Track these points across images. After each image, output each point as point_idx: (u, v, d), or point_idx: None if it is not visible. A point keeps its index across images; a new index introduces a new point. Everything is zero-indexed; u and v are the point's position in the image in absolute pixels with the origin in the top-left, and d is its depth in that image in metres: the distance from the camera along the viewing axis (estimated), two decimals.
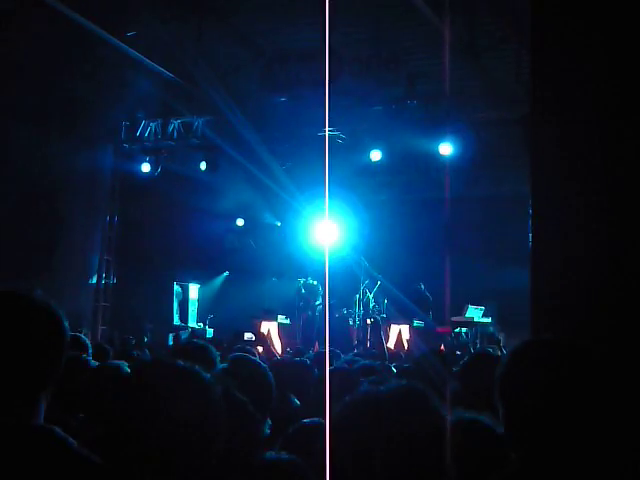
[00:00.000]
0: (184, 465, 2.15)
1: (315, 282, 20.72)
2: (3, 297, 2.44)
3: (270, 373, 4.34)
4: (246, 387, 3.46)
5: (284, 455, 2.83)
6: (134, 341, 14.69)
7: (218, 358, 4.61)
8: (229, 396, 2.99)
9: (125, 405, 2.21)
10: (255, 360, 4.61)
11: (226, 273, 23.67)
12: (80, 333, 7.48)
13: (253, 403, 3.24)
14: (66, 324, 2.44)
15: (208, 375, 2.31)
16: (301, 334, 19.48)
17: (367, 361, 7.23)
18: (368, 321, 18.37)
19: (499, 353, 5.27)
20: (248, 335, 17.43)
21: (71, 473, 2.24)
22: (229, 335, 15.86)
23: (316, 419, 3.65)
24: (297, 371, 5.87)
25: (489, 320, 19.23)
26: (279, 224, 24.93)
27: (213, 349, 4.66)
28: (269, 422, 3.75)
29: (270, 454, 2.88)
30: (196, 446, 2.16)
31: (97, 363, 5.13)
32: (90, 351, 5.79)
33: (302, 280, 20.87)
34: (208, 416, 2.20)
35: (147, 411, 2.17)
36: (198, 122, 19.30)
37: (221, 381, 2.75)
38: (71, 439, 2.30)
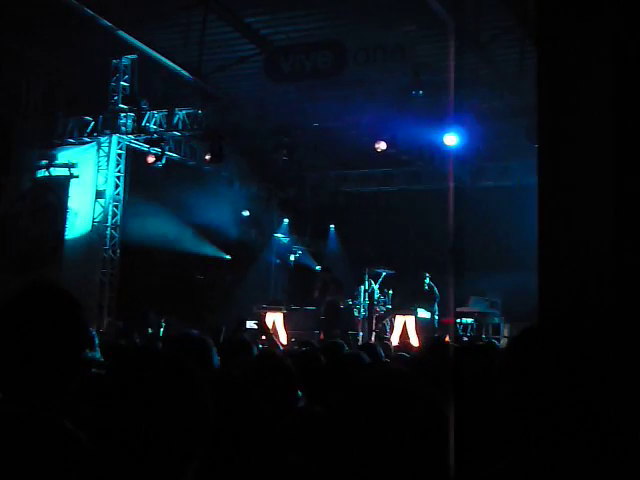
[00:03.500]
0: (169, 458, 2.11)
1: (318, 267, 20.81)
2: (34, 291, 2.46)
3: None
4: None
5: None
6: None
7: (214, 351, 4.47)
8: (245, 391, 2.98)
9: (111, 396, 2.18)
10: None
11: (228, 257, 23.62)
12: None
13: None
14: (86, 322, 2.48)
15: (193, 365, 2.25)
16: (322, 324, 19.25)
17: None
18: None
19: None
20: (250, 324, 17.43)
21: (73, 466, 2.24)
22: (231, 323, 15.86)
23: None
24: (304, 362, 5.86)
25: (494, 311, 19.25)
26: (286, 220, 24.99)
27: (210, 341, 4.51)
28: None
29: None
30: (180, 437, 2.12)
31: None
32: (97, 342, 5.78)
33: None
34: (193, 407, 2.15)
35: (130, 403, 2.13)
36: (203, 113, 19.29)
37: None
38: (80, 433, 2.31)
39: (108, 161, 20.19)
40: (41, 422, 2.29)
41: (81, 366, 2.45)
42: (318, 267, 21.21)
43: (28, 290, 2.48)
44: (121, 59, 19.63)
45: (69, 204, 20.24)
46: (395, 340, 17.66)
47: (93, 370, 4.39)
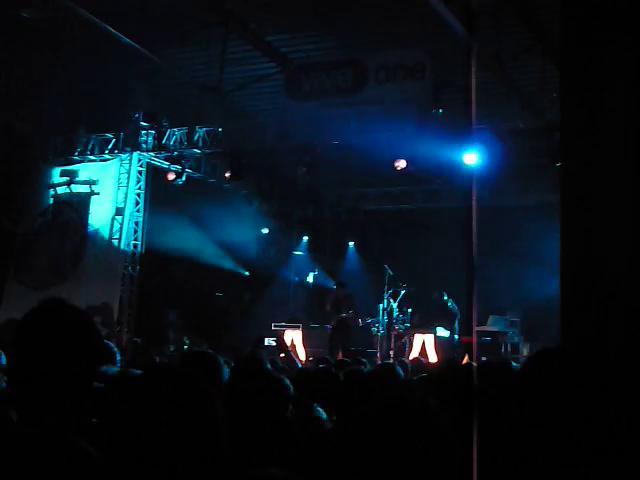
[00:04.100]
0: (184, 473, 2.11)
1: (335, 287, 20.66)
2: (47, 311, 2.48)
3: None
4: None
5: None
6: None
7: (224, 367, 4.50)
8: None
9: (122, 412, 2.18)
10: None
11: (246, 273, 23.64)
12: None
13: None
14: (100, 337, 2.49)
15: (206, 381, 2.26)
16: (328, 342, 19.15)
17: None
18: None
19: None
20: (269, 341, 17.44)
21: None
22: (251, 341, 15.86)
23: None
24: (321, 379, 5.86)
25: (513, 330, 19.15)
26: (305, 238, 25.00)
27: (220, 359, 4.56)
28: None
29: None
30: (194, 453, 2.13)
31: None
32: (118, 358, 5.81)
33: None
34: (206, 422, 2.16)
35: (142, 418, 2.14)
36: (223, 130, 19.35)
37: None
38: (92, 450, 2.32)
39: (129, 178, 20.29)
40: (55, 441, 2.30)
41: (87, 390, 2.46)
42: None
43: (39, 309, 2.49)
44: (142, 77, 19.74)
45: (90, 221, 20.34)
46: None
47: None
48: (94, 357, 2.47)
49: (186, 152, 19.86)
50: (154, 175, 20.50)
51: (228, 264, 22.61)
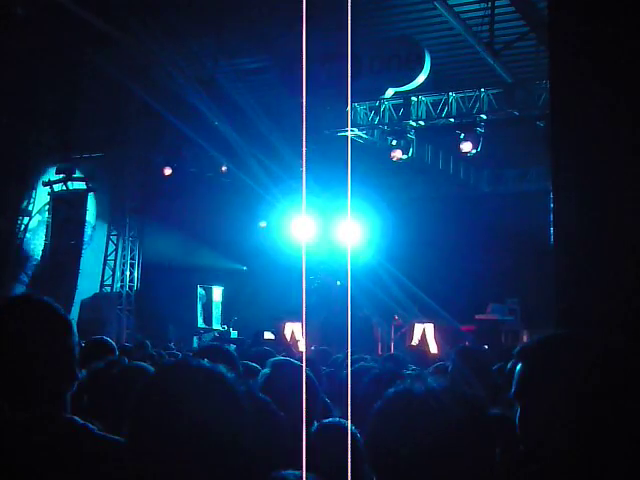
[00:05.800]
0: (208, 468, 2.09)
1: (339, 282, 20.54)
2: (22, 302, 2.50)
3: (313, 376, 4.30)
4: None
5: (290, 473, 2.61)
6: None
7: (239, 360, 4.54)
8: (251, 397, 2.95)
9: (148, 407, 2.15)
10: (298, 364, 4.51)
11: (244, 267, 23.61)
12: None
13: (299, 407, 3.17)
14: (74, 326, 2.52)
15: (232, 375, 2.22)
16: (320, 335, 19.06)
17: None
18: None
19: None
20: (268, 335, 17.42)
21: (93, 453, 2.32)
22: (250, 335, 15.90)
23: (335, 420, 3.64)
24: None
25: (513, 318, 19.13)
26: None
27: (233, 351, 4.59)
28: None
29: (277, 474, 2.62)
30: (222, 449, 2.11)
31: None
32: (117, 353, 5.83)
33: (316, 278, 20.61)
34: (233, 418, 2.13)
35: (171, 414, 2.07)
36: (218, 123, 19.32)
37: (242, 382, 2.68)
38: (91, 425, 2.40)
39: (124, 174, 20.28)
40: (53, 420, 2.33)
41: (72, 375, 2.48)
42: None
43: (7, 305, 2.52)
44: (136, 72, 19.68)
45: (87, 217, 20.34)
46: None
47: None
48: (64, 350, 2.47)
49: (183, 146, 19.83)
50: (151, 170, 20.48)
51: (226, 258, 22.59)
